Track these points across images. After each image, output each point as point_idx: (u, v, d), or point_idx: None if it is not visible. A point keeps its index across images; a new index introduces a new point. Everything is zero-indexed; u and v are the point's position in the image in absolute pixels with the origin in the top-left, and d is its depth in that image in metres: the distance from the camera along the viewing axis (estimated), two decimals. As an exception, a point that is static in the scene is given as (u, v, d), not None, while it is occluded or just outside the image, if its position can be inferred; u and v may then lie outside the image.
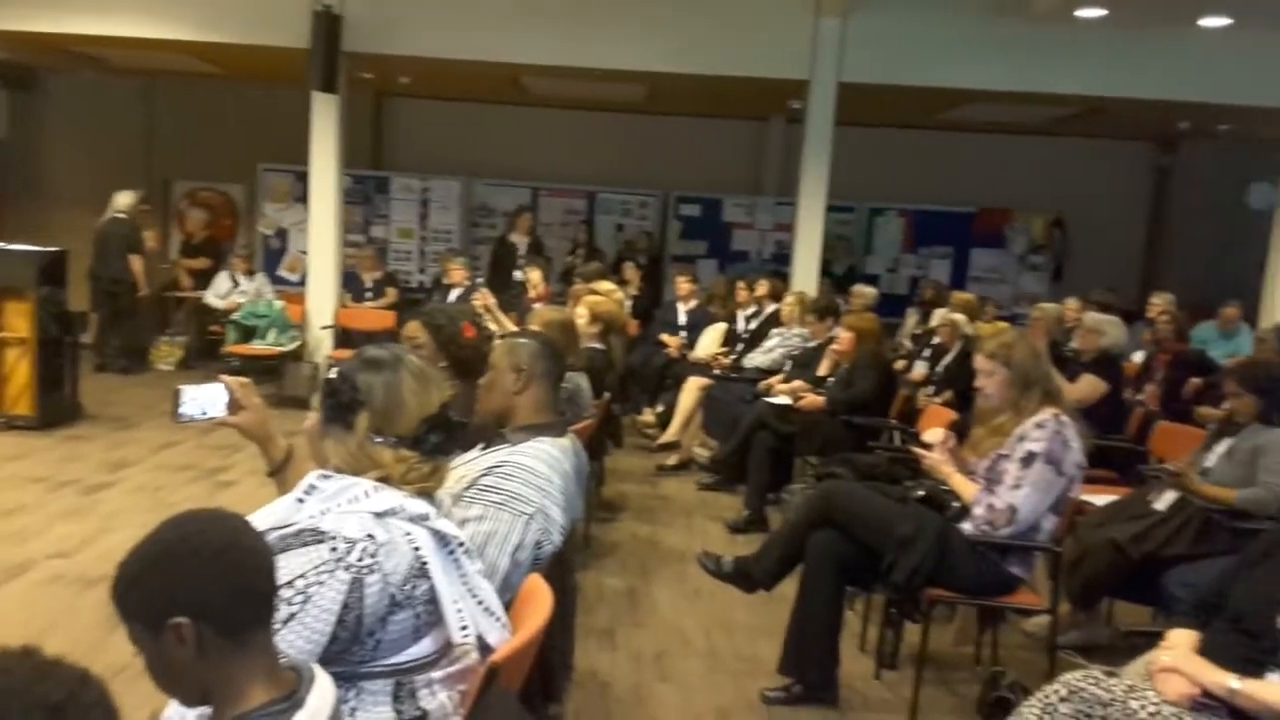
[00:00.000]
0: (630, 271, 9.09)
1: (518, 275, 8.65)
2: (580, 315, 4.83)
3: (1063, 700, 2.04)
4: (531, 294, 7.23)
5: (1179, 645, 2.14)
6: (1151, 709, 2.00)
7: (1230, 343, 7.99)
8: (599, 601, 4.14)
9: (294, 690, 1.18)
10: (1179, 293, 9.29)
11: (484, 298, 5.61)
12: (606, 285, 5.84)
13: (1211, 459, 3.80)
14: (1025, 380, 3.17)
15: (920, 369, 7.10)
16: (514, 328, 5.28)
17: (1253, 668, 2.03)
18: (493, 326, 5.02)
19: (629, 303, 8.81)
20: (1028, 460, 3.03)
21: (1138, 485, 4.17)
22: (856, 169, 10.43)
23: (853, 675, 3.52)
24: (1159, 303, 8.47)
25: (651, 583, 4.43)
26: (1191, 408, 5.80)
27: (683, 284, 8.01)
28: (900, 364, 7.62)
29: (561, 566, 2.42)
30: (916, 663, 3.21)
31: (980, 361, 3.28)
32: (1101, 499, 4.14)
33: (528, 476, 2.21)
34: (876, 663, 3.60)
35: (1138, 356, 6.78)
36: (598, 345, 4.85)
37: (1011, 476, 3.05)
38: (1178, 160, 10.84)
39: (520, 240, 9.20)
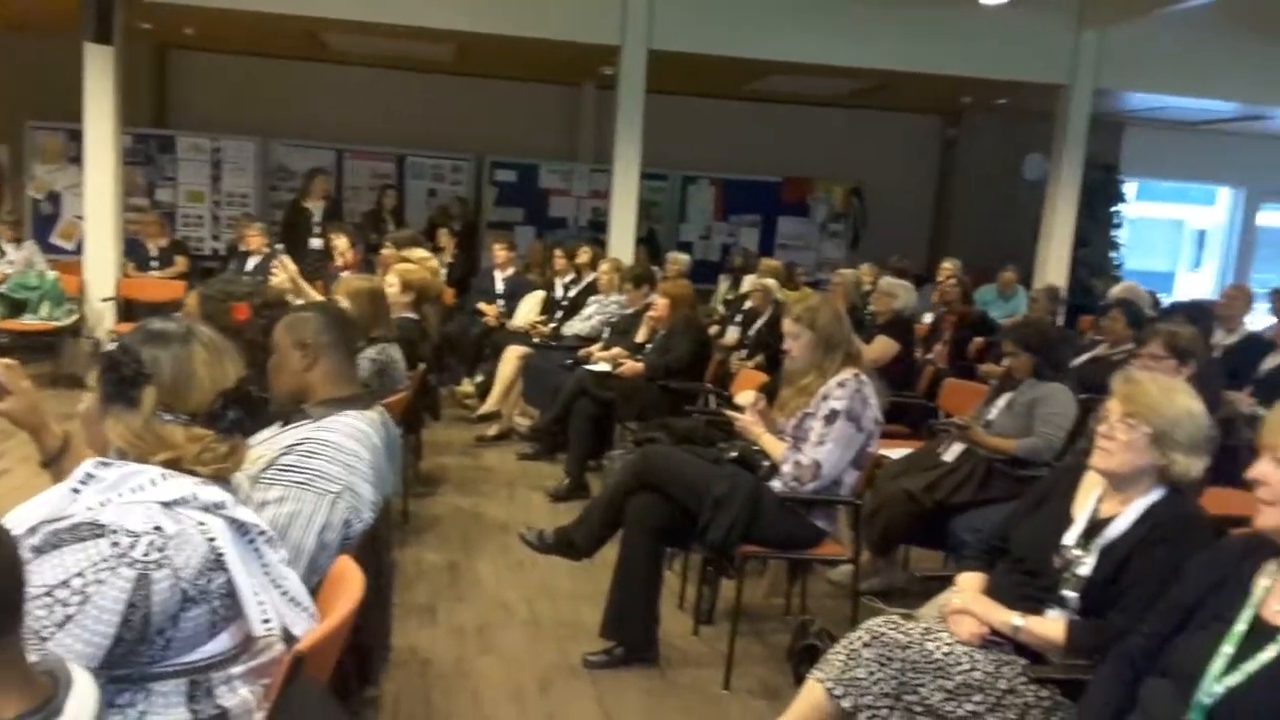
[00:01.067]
0: (445, 238, 8.86)
1: (315, 243, 8.27)
2: (391, 284, 4.65)
3: (865, 645, 2.15)
4: (339, 261, 6.91)
5: (968, 588, 2.31)
6: (945, 649, 2.14)
7: (1009, 304, 8.68)
8: (419, 578, 4.04)
9: (50, 698, 1.06)
10: (964, 258, 9.96)
11: (283, 265, 5.31)
12: (419, 253, 5.65)
13: (993, 412, 4.11)
14: (829, 342, 3.31)
15: (733, 334, 7.32)
16: (319, 297, 5.04)
17: (1033, 605, 2.20)
18: (294, 297, 4.76)
19: (444, 270, 8.64)
20: (831, 418, 3.17)
21: (929, 439, 4.46)
22: (669, 137, 10.55)
23: (672, 633, 3.61)
24: (947, 267, 9.06)
25: (473, 556, 4.37)
26: (976, 365, 6.27)
27: (500, 251, 7.88)
28: (713, 329, 7.84)
29: (376, 544, 2.33)
30: (731, 617, 3.31)
31: (787, 325, 3.40)
32: (897, 453, 4.41)
33: (332, 453, 2.11)
34: (694, 619, 3.70)
35: (928, 318, 7.24)
36: (411, 315, 4.70)
37: (816, 434, 3.19)
38: (962, 133, 11.59)
39: (315, 206, 8.76)
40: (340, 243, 6.94)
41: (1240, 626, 1.64)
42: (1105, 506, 2.19)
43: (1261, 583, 1.67)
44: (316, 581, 1.88)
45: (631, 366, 5.25)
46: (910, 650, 2.13)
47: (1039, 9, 8.06)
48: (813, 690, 2.21)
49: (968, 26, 8.11)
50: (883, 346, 5.60)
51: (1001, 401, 4.10)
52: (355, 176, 10.24)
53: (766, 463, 3.33)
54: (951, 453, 4.07)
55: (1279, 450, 1.61)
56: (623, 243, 8.25)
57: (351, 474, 2.11)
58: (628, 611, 3.28)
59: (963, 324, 6.88)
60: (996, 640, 2.18)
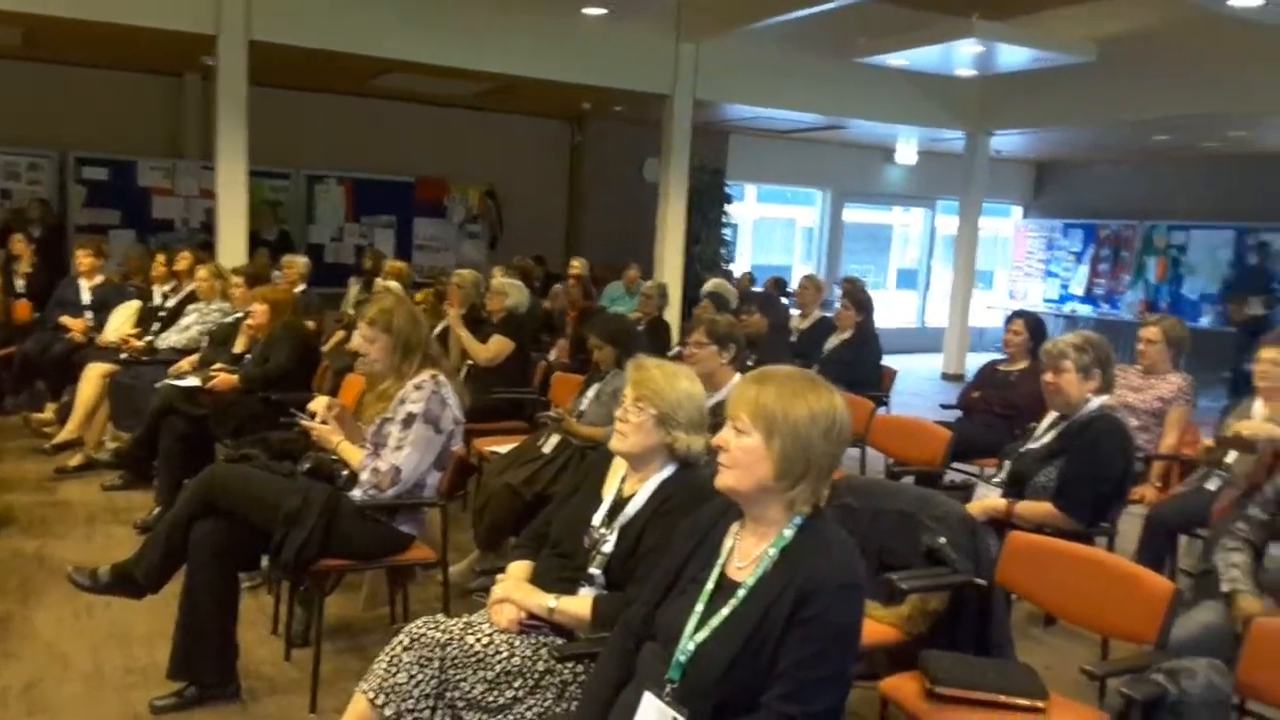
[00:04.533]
0: (20, 245, 7.76)
1: None
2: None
3: (405, 649, 2.14)
4: None
5: (512, 576, 2.37)
6: (485, 641, 2.18)
7: (633, 299, 9.16)
8: (-46, 638, 3.49)
9: None
10: (595, 256, 10.43)
11: None
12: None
13: (585, 402, 4.30)
14: (406, 345, 3.26)
15: (359, 338, 7.07)
16: None
17: (569, 585, 2.30)
18: None
19: (22, 281, 7.57)
20: (408, 421, 3.13)
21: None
22: (292, 134, 10.05)
23: (262, 661, 3.41)
24: (577, 266, 9.43)
25: (31, 605, 3.84)
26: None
27: (83, 258, 7.01)
28: (340, 335, 7.54)
29: None
30: (316, 636, 3.18)
31: (363, 328, 3.32)
32: (509, 448, 4.49)
33: None
34: (286, 643, 3.51)
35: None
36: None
37: (394, 439, 3.13)
38: (586, 137, 12.10)
39: None
40: None
41: (709, 585, 1.81)
42: (627, 485, 2.34)
43: (727, 543, 1.85)
44: None
45: (224, 379, 4.89)
46: (450, 647, 2.14)
47: (641, 22, 8.59)
48: (358, 703, 2.16)
49: (578, 36, 8.46)
50: (499, 345, 5.68)
51: (591, 392, 4.29)
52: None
53: (346, 472, 3.23)
54: (550, 444, 4.20)
55: (739, 420, 1.79)
56: (234, 245, 7.71)
57: None
58: (197, 648, 3.03)
59: (583, 319, 7.16)
60: (537, 624, 2.25)
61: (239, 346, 5.32)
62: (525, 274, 8.00)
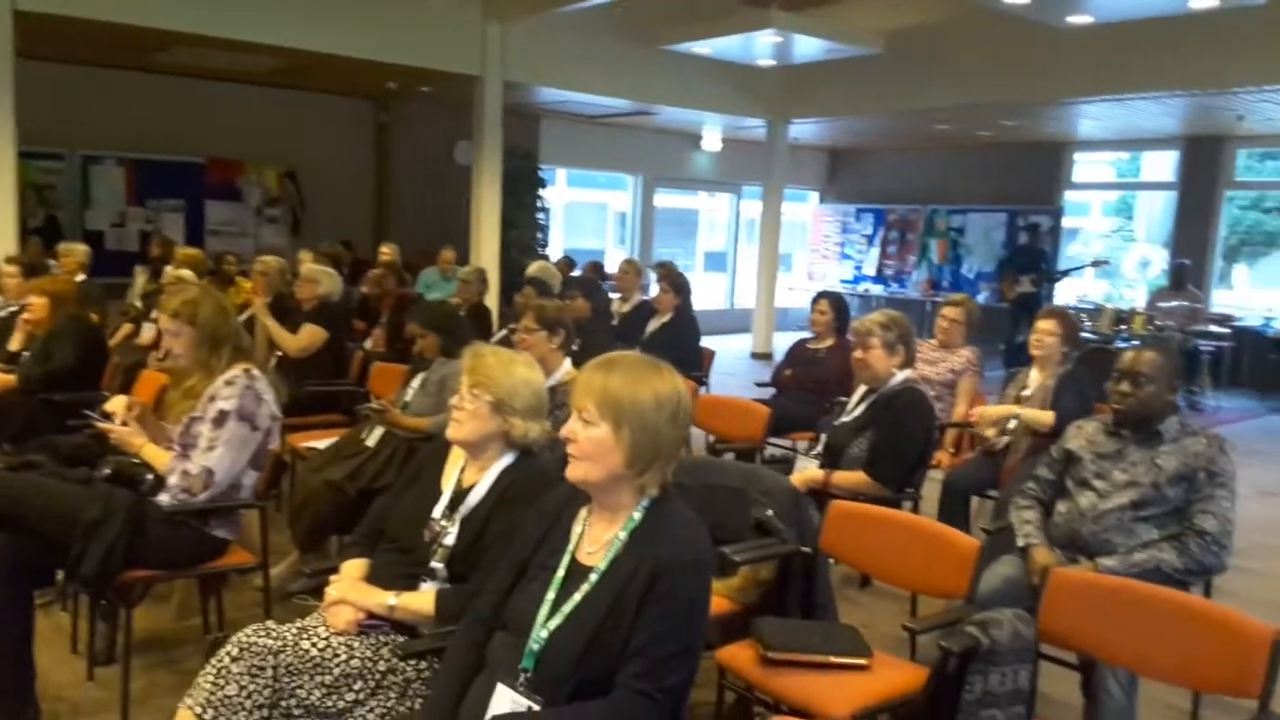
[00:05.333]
0: None
1: None
2: None
3: (234, 660, 2.02)
4: None
5: (346, 576, 2.28)
6: (321, 644, 2.09)
7: (451, 285, 8.98)
8: None
9: None
10: (407, 241, 10.14)
11: None
12: None
13: (410, 393, 4.19)
14: (214, 338, 3.06)
15: (150, 331, 6.59)
16: None
17: (409, 581, 2.24)
18: None
19: None
20: (220, 420, 2.95)
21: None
22: (63, 112, 9.24)
23: (63, 683, 3.15)
24: (387, 251, 9.14)
25: None
26: (413, 347, 6.38)
27: None
28: (128, 327, 6.99)
29: None
30: (125, 652, 2.95)
31: (164, 321, 3.09)
32: (327, 443, 4.31)
33: None
34: (89, 662, 3.25)
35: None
36: None
37: (205, 439, 2.94)
38: (393, 118, 11.72)
39: None
40: None
41: (560, 572, 1.82)
42: (467, 476, 2.30)
43: (576, 529, 1.86)
44: None
45: (1, 379, 4.44)
46: (284, 654, 2.04)
47: (446, 0, 8.38)
48: (182, 719, 2.02)
49: (383, 13, 8.17)
50: (311, 334, 5.44)
51: (416, 382, 4.19)
52: None
53: (151, 476, 3.00)
54: (373, 437, 4.07)
55: (586, 411, 1.79)
56: (1, 233, 6.98)
57: None
58: (-13, 675, 2.75)
59: (399, 306, 6.97)
60: (377, 624, 2.18)
61: (15, 344, 4.82)
62: (334, 260, 7.67)
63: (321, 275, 5.52)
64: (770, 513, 2.82)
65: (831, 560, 3.01)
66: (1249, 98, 8.54)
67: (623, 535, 1.78)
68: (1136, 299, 11.90)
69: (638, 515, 1.80)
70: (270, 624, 2.11)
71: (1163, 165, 12.60)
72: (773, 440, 4.75)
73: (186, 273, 6.41)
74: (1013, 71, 9.25)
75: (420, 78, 9.54)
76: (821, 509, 2.95)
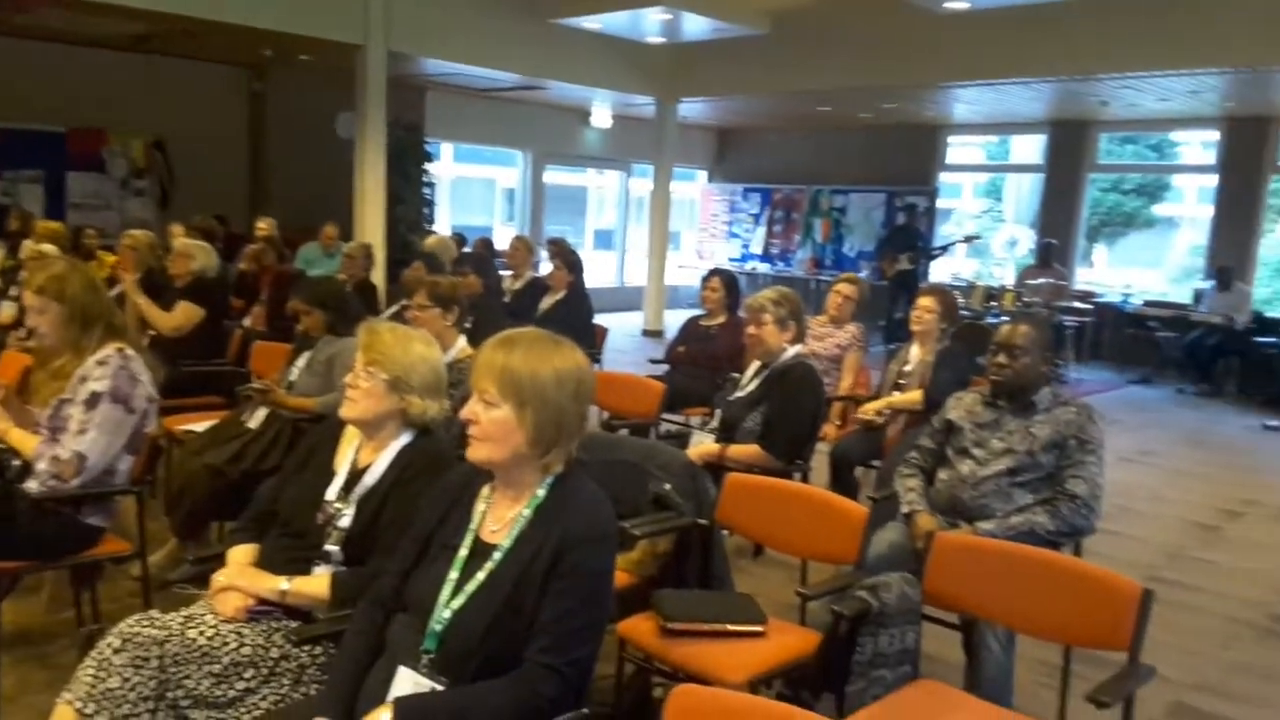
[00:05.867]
0: None
1: None
2: None
3: (116, 652, 1.93)
4: None
5: (234, 562, 2.20)
6: (209, 632, 2.02)
7: (333, 261, 8.71)
8: None
9: None
10: (286, 215, 9.79)
11: None
12: None
13: (295, 372, 4.06)
14: (84, 315, 2.91)
15: (9, 309, 6.19)
16: None
17: (303, 566, 2.18)
18: None
19: None
20: (92, 401, 2.80)
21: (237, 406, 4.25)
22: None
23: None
24: (265, 226, 8.81)
25: None
26: (295, 325, 6.17)
27: None
28: (-15, 306, 6.54)
29: None
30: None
31: (29, 298, 2.91)
32: (206, 426, 4.14)
33: None
34: (-53, 662, 3.05)
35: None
36: None
37: (76, 422, 2.79)
38: (270, 87, 11.26)
39: None
40: None
41: (463, 551, 1.79)
42: (362, 456, 2.25)
43: (479, 507, 1.84)
44: None
45: None
46: (169, 644, 1.96)
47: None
48: (62, 715, 1.92)
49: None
50: (186, 313, 5.20)
51: (301, 361, 4.06)
52: None
53: (17, 462, 2.83)
54: (256, 419, 3.93)
55: (488, 393, 1.76)
56: None
57: None
58: None
59: (279, 282, 6.73)
60: (268, 609, 2.12)
61: None
62: (208, 234, 7.35)
63: (196, 250, 5.27)
64: (668, 487, 2.85)
65: (726, 531, 3.07)
66: (1112, 84, 9.00)
67: (527, 513, 1.78)
68: (1005, 277, 12.47)
69: (542, 492, 1.79)
70: (154, 613, 2.03)
71: (1031, 148, 13.19)
72: (667, 416, 4.80)
73: (49, 247, 6.05)
74: (891, 55, 9.51)
75: (299, 45, 9.19)
76: (717, 482, 3.00)
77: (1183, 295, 11.17)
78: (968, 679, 2.68)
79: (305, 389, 3.96)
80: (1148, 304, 11.06)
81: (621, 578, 2.77)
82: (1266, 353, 9.33)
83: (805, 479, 3.84)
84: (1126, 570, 2.36)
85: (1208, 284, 10.31)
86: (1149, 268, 14.53)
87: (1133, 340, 10.76)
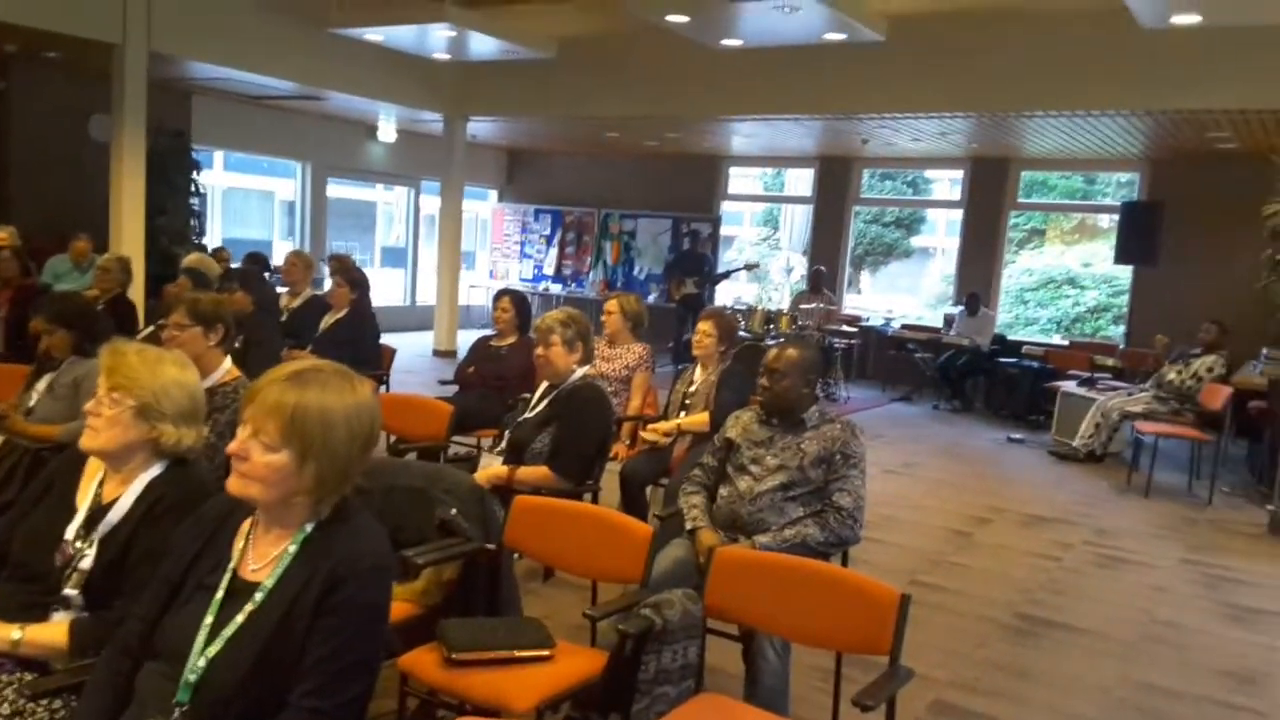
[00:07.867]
0: None
1: None
2: None
3: None
4: None
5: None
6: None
7: (86, 276, 7.99)
8: None
9: None
10: (30, 225, 8.89)
11: None
12: None
13: (35, 397, 3.67)
14: None
15: None
16: None
17: (38, 612, 1.96)
18: None
19: None
20: None
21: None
22: None
23: None
24: (4, 236, 7.98)
25: None
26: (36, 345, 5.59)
27: None
28: None
29: None
30: None
31: None
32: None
33: None
34: None
35: None
36: None
37: None
38: (13, 85, 10.19)
39: None
40: None
41: (220, 592, 1.65)
42: (107, 490, 2.05)
43: (238, 544, 1.71)
44: None
45: None
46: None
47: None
48: None
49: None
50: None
51: (42, 384, 3.68)
52: None
53: None
54: (-14, 450, 3.52)
55: (265, 434, 1.60)
56: None
57: None
58: None
59: (22, 299, 6.10)
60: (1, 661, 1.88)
61: None
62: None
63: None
64: (454, 511, 2.77)
65: (516, 555, 3.03)
66: (870, 123, 9.71)
67: (293, 548, 1.66)
68: (782, 301, 13.14)
69: (309, 527, 1.68)
70: None
71: (803, 181, 14.01)
72: (456, 438, 4.70)
73: None
74: (673, 87, 9.84)
75: (46, 42, 8.37)
76: (506, 505, 2.96)
77: (937, 320, 12.17)
78: (747, 689, 2.76)
79: (47, 415, 3.59)
80: (906, 327, 11.96)
81: (404, 609, 2.67)
82: (1009, 372, 10.30)
83: (596, 499, 3.86)
84: (891, 576, 2.52)
85: (958, 309, 11.28)
86: (908, 294, 15.79)
87: (894, 361, 11.59)
